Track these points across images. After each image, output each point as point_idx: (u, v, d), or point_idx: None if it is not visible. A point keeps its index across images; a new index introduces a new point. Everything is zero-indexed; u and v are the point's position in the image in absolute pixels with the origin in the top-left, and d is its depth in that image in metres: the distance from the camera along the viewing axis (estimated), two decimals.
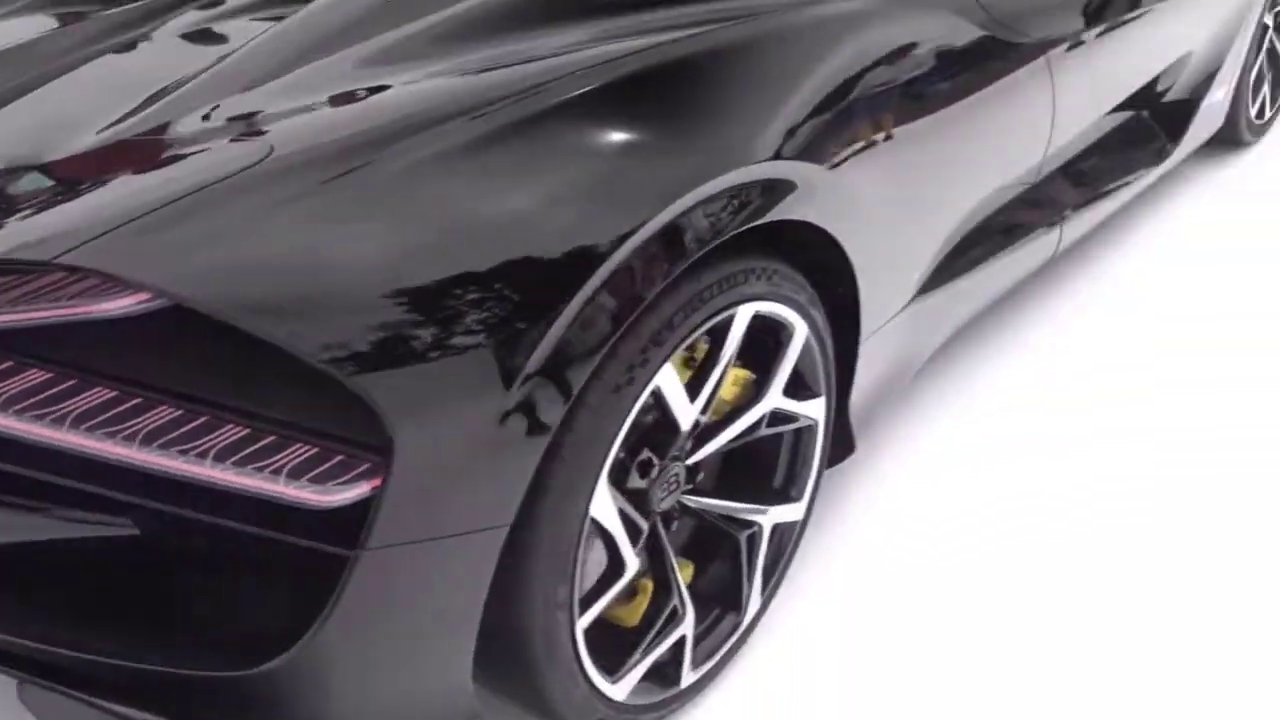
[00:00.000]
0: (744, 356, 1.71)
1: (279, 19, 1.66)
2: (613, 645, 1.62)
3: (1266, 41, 3.42)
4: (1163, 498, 2.20)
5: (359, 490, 1.22)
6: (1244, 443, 2.35)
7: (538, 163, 1.39)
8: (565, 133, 1.44)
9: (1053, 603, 1.95)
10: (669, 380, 1.47)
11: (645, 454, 1.56)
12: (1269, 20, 3.40)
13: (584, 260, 1.33)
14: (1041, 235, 2.44)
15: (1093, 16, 2.42)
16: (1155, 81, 2.93)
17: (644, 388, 1.42)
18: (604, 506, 1.43)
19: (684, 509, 1.69)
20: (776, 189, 1.58)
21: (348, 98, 1.50)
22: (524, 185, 1.37)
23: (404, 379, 1.20)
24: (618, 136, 1.47)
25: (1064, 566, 2.03)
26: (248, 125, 1.41)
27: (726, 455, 1.77)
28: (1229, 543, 2.09)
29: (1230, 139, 3.46)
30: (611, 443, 1.40)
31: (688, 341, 1.48)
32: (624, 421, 1.41)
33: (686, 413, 1.53)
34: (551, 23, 1.65)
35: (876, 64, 1.82)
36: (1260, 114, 3.54)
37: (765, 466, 1.81)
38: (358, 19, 1.63)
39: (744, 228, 1.52)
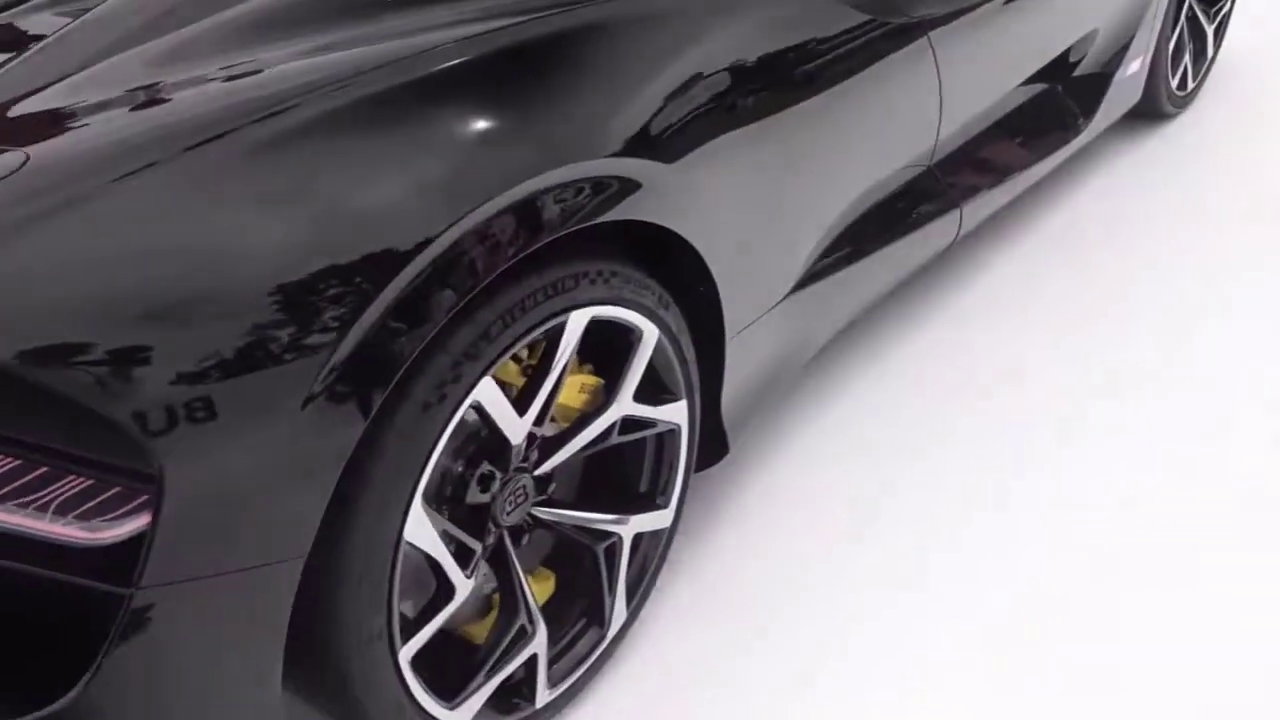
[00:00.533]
0: (595, 360, 1.64)
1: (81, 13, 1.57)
2: (465, 663, 1.56)
3: (1186, 9, 3.35)
4: (1071, 495, 2.14)
5: (133, 525, 1.15)
6: (1150, 438, 2.29)
7: (341, 157, 1.29)
8: (376, 125, 1.34)
9: (940, 608, 1.89)
10: (490, 395, 1.39)
11: (485, 467, 1.49)
12: None
13: (387, 262, 1.24)
14: (939, 220, 2.36)
15: None
16: (1065, 55, 2.86)
17: (459, 405, 1.34)
18: (421, 530, 1.36)
19: (536, 521, 1.62)
20: (617, 187, 1.50)
21: (133, 98, 1.41)
22: (321, 182, 1.27)
23: (172, 401, 1.12)
24: (437, 129, 1.37)
25: (953, 570, 1.96)
26: (15, 132, 1.33)
27: (588, 462, 1.70)
28: (1127, 546, 2.04)
29: (1151, 111, 3.39)
30: (423, 465, 1.32)
31: (510, 353, 1.40)
32: (435, 442, 1.33)
33: (516, 427, 1.45)
34: (377, 12, 1.57)
35: (736, 52, 1.73)
36: (1182, 85, 3.47)
37: (628, 474, 1.74)
38: (159, 13, 1.53)
39: (575, 228, 1.44)
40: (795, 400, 2.34)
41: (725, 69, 1.70)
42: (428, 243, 1.26)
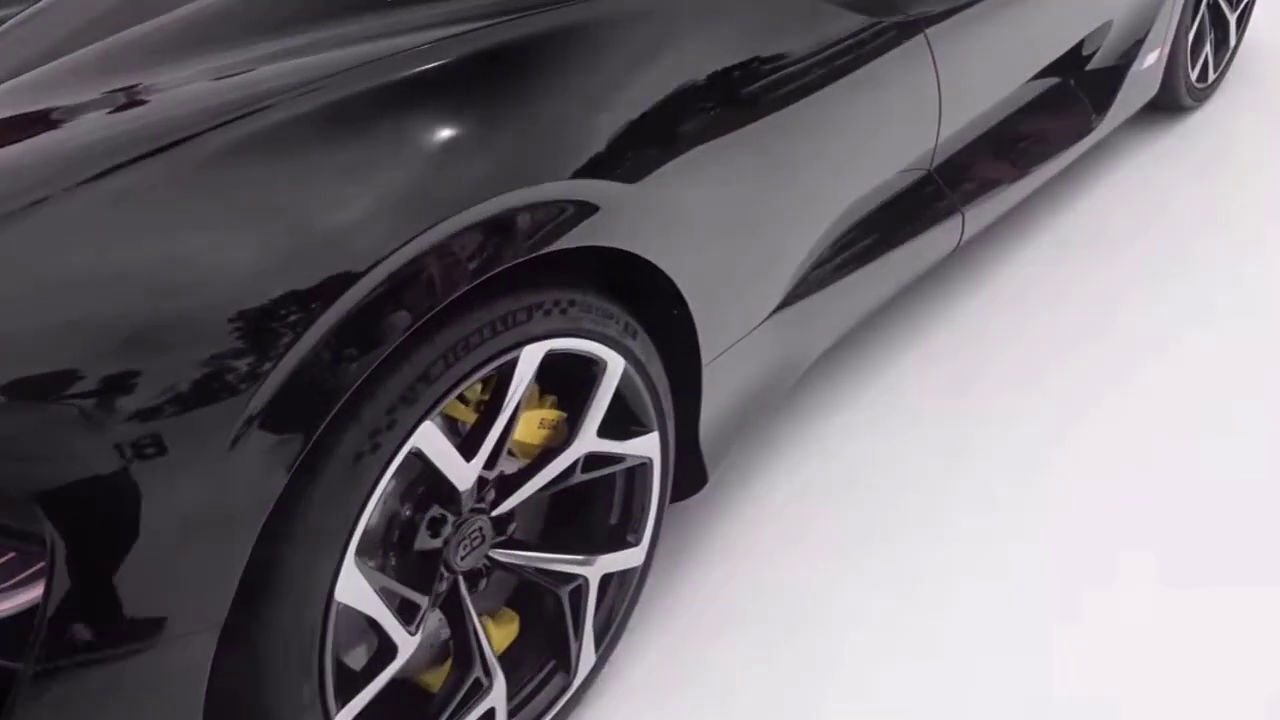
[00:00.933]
0: (559, 392, 1.53)
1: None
2: (418, 716, 1.45)
3: None
4: (1090, 504, 2.01)
5: (26, 597, 1.05)
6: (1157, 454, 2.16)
7: (265, 180, 1.18)
8: (316, 140, 1.23)
9: (951, 639, 1.77)
10: (432, 440, 1.28)
11: (436, 510, 1.38)
12: None
13: (308, 299, 1.12)
14: (940, 226, 2.23)
15: None
16: (1077, 48, 2.71)
17: (393, 453, 1.23)
18: (354, 589, 1.25)
19: (495, 564, 1.51)
20: (572, 211, 1.38)
21: (80, 105, 1.31)
22: (242, 204, 1.16)
23: (68, 451, 1.01)
24: (370, 151, 1.24)
25: (965, 595, 1.84)
26: None
27: (553, 498, 1.59)
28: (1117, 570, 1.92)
29: (1169, 104, 3.23)
30: (355, 519, 1.21)
31: (453, 395, 1.29)
32: (369, 495, 1.22)
33: (463, 473, 1.34)
34: (315, 20, 1.45)
35: (711, 58, 1.61)
36: (1203, 77, 3.31)
37: (596, 510, 1.63)
38: (104, 12, 1.43)
39: (525, 258, 1.32)
40: (792, 411, 2.22)
41: (699, 76, 1.57)
42: (358, 277, 1.15)
